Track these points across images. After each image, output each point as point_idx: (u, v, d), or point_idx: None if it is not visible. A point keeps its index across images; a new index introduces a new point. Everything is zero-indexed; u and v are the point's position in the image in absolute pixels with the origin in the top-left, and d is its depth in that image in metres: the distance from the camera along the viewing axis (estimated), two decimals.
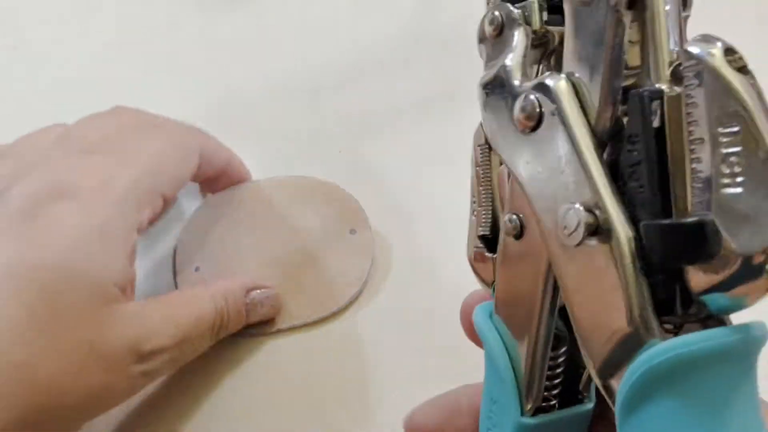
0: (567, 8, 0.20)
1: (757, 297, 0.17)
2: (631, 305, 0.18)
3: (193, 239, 0.39)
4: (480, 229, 0.25)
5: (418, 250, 0.39)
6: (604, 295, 0.18)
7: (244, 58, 0.50)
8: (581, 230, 0.18)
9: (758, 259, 0.16)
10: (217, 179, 0.39)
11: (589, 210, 0.18)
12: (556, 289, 0.22)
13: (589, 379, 0.24)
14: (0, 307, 0.27)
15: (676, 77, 0.18)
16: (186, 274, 0.39)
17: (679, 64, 0.18)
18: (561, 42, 0.22)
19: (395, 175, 0.43)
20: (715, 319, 0.18)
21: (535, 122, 0.20)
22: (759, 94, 0.16)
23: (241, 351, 0.37)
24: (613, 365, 0.19)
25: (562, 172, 0.19)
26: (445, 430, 0.26)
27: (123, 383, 0.29)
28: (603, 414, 0.24)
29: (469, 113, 0.46)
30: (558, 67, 0.22)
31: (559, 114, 0.19)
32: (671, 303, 0.18)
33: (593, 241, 0.18)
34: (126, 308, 0.30)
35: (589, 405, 0.24)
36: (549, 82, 0.20)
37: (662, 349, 0.17)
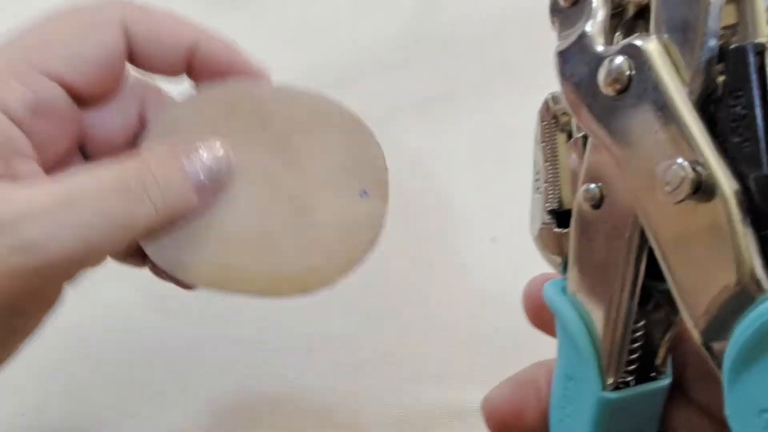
0: None
1: None
2: (740, 260, 0.18)
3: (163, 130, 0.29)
4: (548, 204, 0.24)
5: (417, 249, 0.39)
6: (709, 252, 0.18)
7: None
8: (686, 185, 0.18)
9: None
10: (199, 71, 0.29)
11: (692, 166, 0.18)
12: (640, 257, 0.21)
13: (667, 354, 0.23)
14: None
15: None
16: None
17: None
18: (636, 14, 0.22)
19: (395, 174, 0.43)
20: None
21: (624, 85, 0.20)
22: None
23: None
24: (719, 324, 0.18)
25: (656, 132, 0.19)
26: (525, 410, 0.25)
27: None
28: (678, 390, 0.23)
29: (469, 113, 0.47)
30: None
31: (652, 74, 0.19)
32: None
33: (697, 197, 0.18)
34: None
35: (666, 381, 0.23)
36: (638, 42, 0.20)
37: None
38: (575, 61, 0.21)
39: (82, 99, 0.27)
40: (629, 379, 0.23)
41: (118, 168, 0.25)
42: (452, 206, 0.41)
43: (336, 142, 0.29)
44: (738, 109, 0.18)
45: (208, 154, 0.27)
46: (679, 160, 0.18)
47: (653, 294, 0.23)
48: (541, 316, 0.26)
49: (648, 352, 0.23)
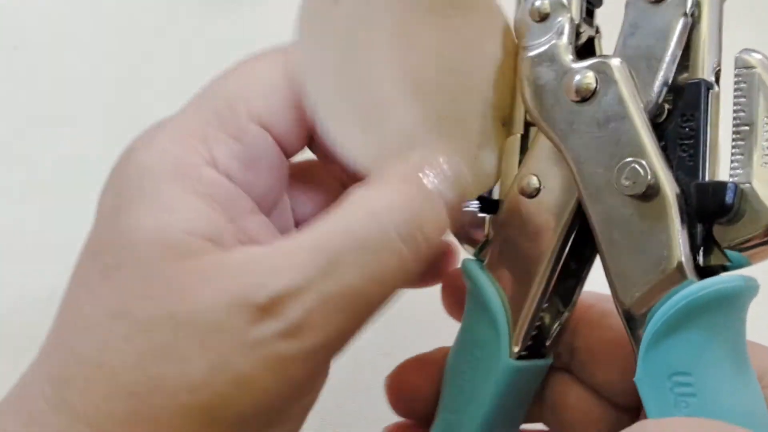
0: (632, 5, 0.24)
1: (762, 259, 0.22)
2: (673, 250, 0.21)
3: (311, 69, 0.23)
4: None
5: None
6: (647, 241, 0.22)
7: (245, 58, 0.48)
8: (644, 183, 0.22)
9: None
10: None
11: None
12: (564, 246, 0.24)
13: (554, 340, 0.26)
14: None
15: (716, 79, 0.23)
16: None
17: (719, 71, 0.23)
18: (586, 43, 0.26)
19: None
20: (723, 270, 0.22)
21: (588, 94, 0.23)
22: None
23: None
24: (644, 302, 0.22)
25: (618, 136, 0.23)
26: (423, 385, 0.27)
27: (261, 365, 0.19)
28: (569, 374, 0.27)
29: None
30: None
31: (617, 88, 0.23)
32: (696, 254, 0.22)
33: (643, 196, 0.22)
34: (221, 258, 0.20)
35: (549, 361, 0.26)
36: (609, 61, 0.23)
37: (701, 285, 0.21)
38: (544, 68, 0.24)
39: (286, 147, 0.23)
40: (524, 354, 0.26)
41: (365, 213, 0.21)
42: None
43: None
44: (687, 130, 0.22)
45: (442, 167, 0.23)
46: (641, 161, 0.22)
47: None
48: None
49: (540, 334, 0.26)
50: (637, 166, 0.22)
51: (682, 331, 0.21)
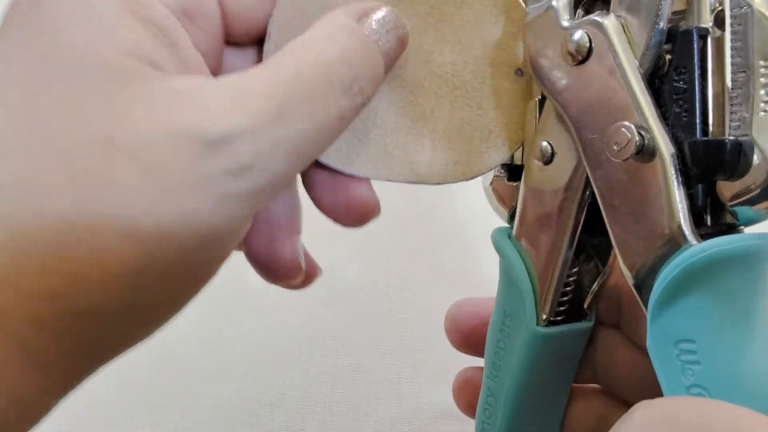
0: None
1: None
2: (671, 215, 0.20)
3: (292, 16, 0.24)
4: None
5: (418, 248, 0.40)
6: (646, 205, 0.21)
7: None
8: (632, 145, 0.21)
9: None
10: None
11: (638, 130, 0.21)
12: (580, 211, 0.24)
13: (593, 300, 0.26)
14: None
15: (718, 21, 0.21)
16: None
17: (722, 10, 0.21)
18: None
19: None
20: (737, 230, 0.21)
21: (583, 56, 0.22)
22: None
23: None
24: (649, 268, 0.21)
25: (609, 98, 0.22)
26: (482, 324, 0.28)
27: (208, 201, 0.18)
28: (616, 330, 0.27)
29: None
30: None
31: (610, 47, 0.22)
32: (701, 215, 0.21)
33: (640, 158, 0.21)
34: (164, 85, 0.19)
35: (590, 323, 0.26)
36: (600, 19, 0.22)
37: (699, 248, 0.20)
38: (541, 32, 0.24)
39: (228, 10, 0.22)
40: (560, 318, 0.26)
41: (314, 57, 0.21)
42: (454, 206, 0.41)
43: (491, 15, 0.26)
44: (681, 84, 0.21)
45: (382, 15, 0.23)
46: (627, 123, 0.21)
47: (586, 247, 0.26)
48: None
49: (577, 297, 0.26)
50: (624, 129, 0.21)
51: (683, 297, 0.20)
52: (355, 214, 0.24)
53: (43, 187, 0.17)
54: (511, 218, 0.27)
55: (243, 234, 0.22)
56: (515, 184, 0.26)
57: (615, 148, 0.21)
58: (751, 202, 0.20)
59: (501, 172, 0.27)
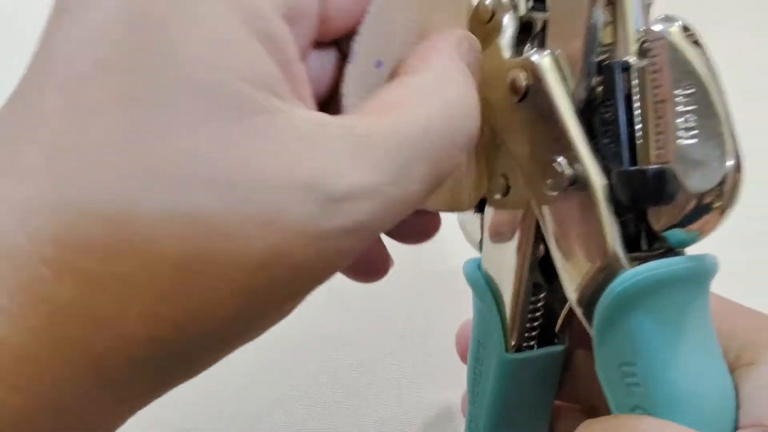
0: None
1: (709, 230, 0.21)
2: (605, 243, 0.21)
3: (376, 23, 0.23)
4: None
5: (418, 248, 0.40)
6: (583, 235, 0.22)
7: None
8: (564, 179, 0.22)
9: (708, 198, 0.20)
10: None
11: (570, 163, 0.22)
12: (538, 239, 0.25)
13: (564, 323, 0.27)
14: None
15: (642, 52, 0.22)
16: (364, 73, 0.23)
17: (645, 41, 0.22)
18: (544, 27, 0.26)
19: None
20: (674, 253, 0.22)
21: (522, 93, 0.23)
22: (708, 63, 0.20)
23: None
24: (591, 295, 0.22)
25: (546, 134, 0.23)
26: None
27: (321, 257, 0.18)
28: (571, 356, 0.27)
29: None
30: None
31: (543, 85, 0.23)
32: (637, 241, 0.22)
33: (574, 189, 0.22)
34: (287, 122, 0.17)
35: (562, 347, 0.27)
36: (534, 57, 0.23)
37: (630, 274, 0.21)
38: (488, 69, 0.25)
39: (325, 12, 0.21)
40: (532, 343, 0.26)
41: (440, 111, 0.19)
42: None
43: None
44: (608, 115, 0.22)
45: (469, 41, 0.22)
46: (559, 158, 0.22)
47: (555, 273, 0.27)
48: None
49: (549, 321, 0.27)
50: (555, 165, 0.22)
51: (621, 322, 0.21)
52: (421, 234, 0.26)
53: (154, 227, 0.16)
54: (480, 248, 0.28)
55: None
56: (481, 215, 0.27)
57: (549, 182, 0.22)
58: (681, 225, 0.21)
59: None
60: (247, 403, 0.36)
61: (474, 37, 0.23)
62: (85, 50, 0.16)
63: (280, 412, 0.35)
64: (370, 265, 0.28)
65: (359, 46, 0.22)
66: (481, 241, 0.27)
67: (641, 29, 0.22)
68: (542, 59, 0.23)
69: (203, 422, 0.35)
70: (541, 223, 0.23)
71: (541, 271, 0.26)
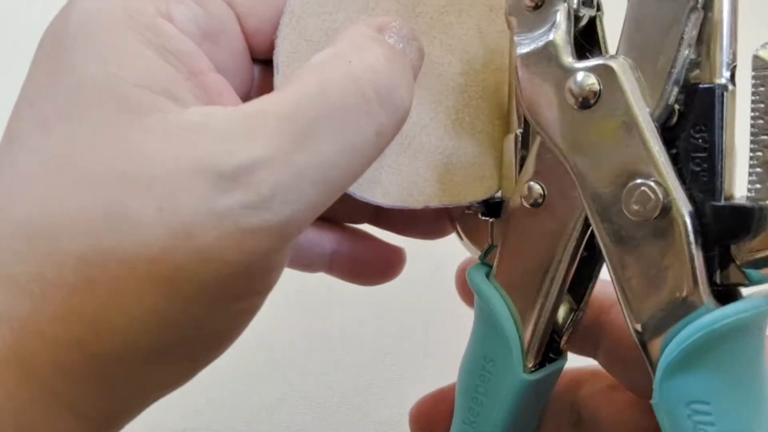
0: None
1: None
2: (689, 275, 0.20)
3: (291, 32, 0.23)
4: None
5: (418, 248, 0.39)
6: (660, 264, 0.20)
7: None
8: (657, 207, 0.20)
9: None
10: None
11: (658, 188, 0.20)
12: (574, 258, 0.23)
13: (568, 338, 0.26)
14: None
15: (731, 76, 0.21)
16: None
17: (735, 66, 0.21)
18: (588, 24, 0.24)
19: None
20: (738, 290, 0.21)
21: (591, 101, 0.21)
22: None
23: None
24: (658, 324, 0.21)
25: (622, 150, 0.21)
26: (443, 418, 0.27)
27: (225, 237, 0.17)
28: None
29: None
30: (582, 47, 0.23)
31: (620, 94, 0.21)
32: (713, 274, 0.21)
33: (658, 216, 0.20)
34: (179, 117, 0.18)
35: (565, 360, 0.26)
36: (613, 63, 0.21)
37: (721, 314, 0.20)
38: (540, 68, 0.22)
39: (251, 32, 0.22)
40: (541, 360, 0.25)
41: (341, 71, 0.19)
42: None
43: (490, 20, 0.25)
44: (700, 142, 0.20)
45: (399, 27, 0.22)
46: (650, 183, 0.20)
47: None
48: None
49: (554, 336, 0.25)
50: (646, 189, 0.20)
51: (700, 361, 0.20)
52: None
53: (60, 225, 0.17)
54: (485, 255, 0.25)
55: (282, 265, 0.20)
56: (490, 220, 0.25)
57: (636, 207, 0.20)
58: (759, 265, 0.20)
59: (476, 205, 0.25)
60: (246, 403, 0.35)
61: (403, 22, 0.22)
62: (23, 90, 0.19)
63: (280, 412, 0.35)
64: (370, 266, 0.28)
65: (278, 58, 0.23)
66: (488, 250, 0.25)
67: (731, 51, 0.21)
68: (621, 66, 0.21)
69: (203, 423, 0.34)
70: (602, 245, 0.22)
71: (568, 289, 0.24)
